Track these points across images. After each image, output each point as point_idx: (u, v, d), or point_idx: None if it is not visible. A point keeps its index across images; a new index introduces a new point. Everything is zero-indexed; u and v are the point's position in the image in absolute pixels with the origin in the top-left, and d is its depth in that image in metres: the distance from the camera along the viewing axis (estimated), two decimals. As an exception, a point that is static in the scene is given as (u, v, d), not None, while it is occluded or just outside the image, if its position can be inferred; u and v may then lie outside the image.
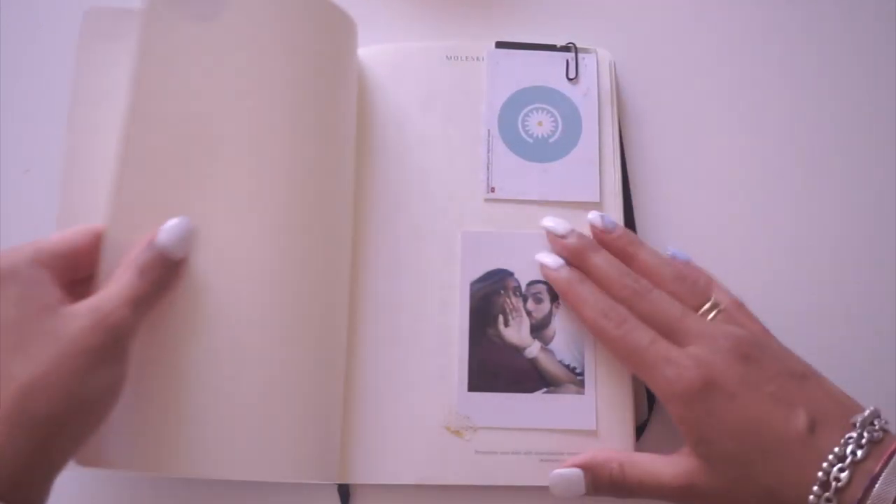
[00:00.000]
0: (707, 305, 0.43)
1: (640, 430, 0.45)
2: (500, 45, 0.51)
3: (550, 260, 0.46)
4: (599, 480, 0.42)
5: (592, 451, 0.43)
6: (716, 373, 0.39)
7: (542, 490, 0.44)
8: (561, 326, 0.46)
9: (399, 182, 0.49)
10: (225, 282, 0.41)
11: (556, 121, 0.50)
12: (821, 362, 0.40)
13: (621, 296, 0.43)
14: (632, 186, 0.50)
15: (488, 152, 0.49)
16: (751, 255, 0.50)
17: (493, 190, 0.48)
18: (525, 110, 0.50)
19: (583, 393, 0.45)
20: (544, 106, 0.50)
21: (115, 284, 0.37)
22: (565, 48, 0.51)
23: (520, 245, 0.47)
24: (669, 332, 0.41)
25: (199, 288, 0.41)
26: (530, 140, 0.49)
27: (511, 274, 0.47)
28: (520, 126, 0.50)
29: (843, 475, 0.35)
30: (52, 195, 0.50)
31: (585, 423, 0.44)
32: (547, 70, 0.51)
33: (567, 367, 0.45)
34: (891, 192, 0.51)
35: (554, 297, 0.46)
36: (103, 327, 0.35)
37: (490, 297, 0.47)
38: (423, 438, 0.44)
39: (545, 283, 0.46)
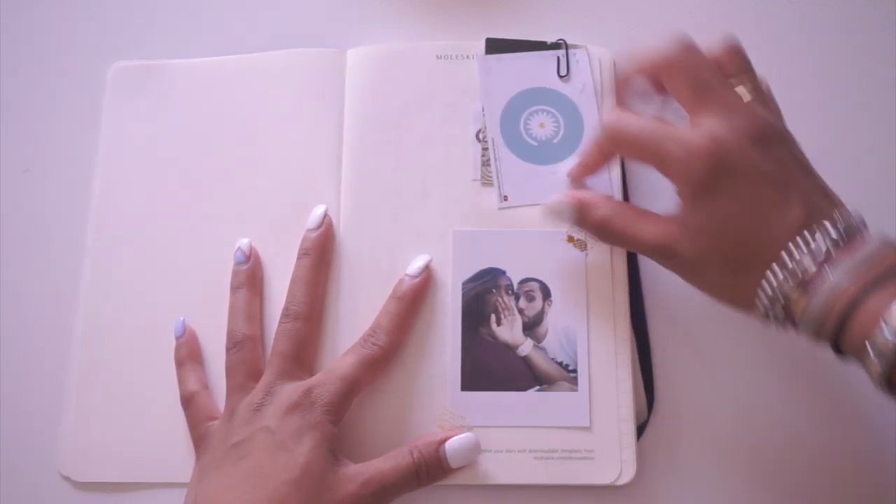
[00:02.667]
0: (740, 77, 0.41)
1: (640, 429, 0.45)
2: (490, 42, 0.51)
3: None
4: (587, 219, 0.43)
5: (592, 193, 0.45)
6: (727, 153, 0.38)
7: (538, 488, 0.44)
8: (553, 324, 0.46)
9: (393, 181, 0.49)
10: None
11: (557, 120, 0.49)
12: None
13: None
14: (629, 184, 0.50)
15: (495, 161, 0.49)
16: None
17: (505, 198, 0.48)
18: (525, 113, 0.50)
19: (576, 390, 0.45)
20: (543, 107, 0.50)
21: (392, 464, 0.42)
22: (555, 45, 0.51)
23: (511, 243, 0.47)
24: (695, 95, 0.40)
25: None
26: (535, 143, 0.49)
27: (503, 272, 0.47)
28: (522, 130, 0.49)
29: (806, 260, 0.36)
30: (52, 195, 0.51)
31: (579, 420, 0.45)
32: (539, 70, 0.50)
33: (560, 364, 0.45)
34: (891, 192, 0.50)
35: (546, 295, 0.46)
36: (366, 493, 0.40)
37: (482, 296, 0.47)
38: (418, 438, 0.45)
39: (537, 280, 0.47)
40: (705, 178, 0.38)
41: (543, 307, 0.46)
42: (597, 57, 0.51)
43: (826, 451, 0.45)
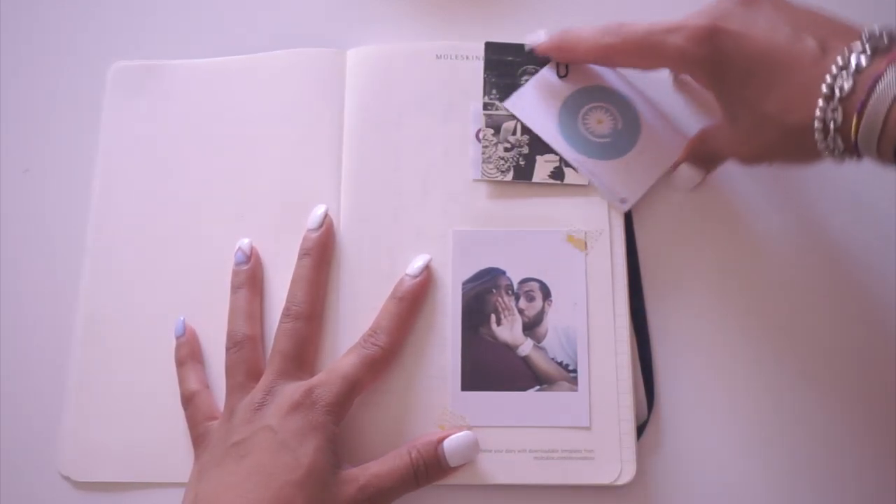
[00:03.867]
0: None
1: (640, 429, 0.45)
2: (489, 46, 0.51)
3: (534, 37, 0.49)
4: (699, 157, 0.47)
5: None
6: (718, 20, 0.39)
7: (538, 488, 0.44)
8: (553, 324, 0.46)
9: (393, 181, 0.49)
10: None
11: (613, 115, 0.50)
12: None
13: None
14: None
15: (585, 168, 0.49)
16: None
17: (624, 201, 0.48)
18: (582, 112, 0.50)
19: (576, 390, 0.45)
20: (598, 104, 0.50)
21: (389, 466, 0.42)
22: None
23: (511, 243, 0.47)
24: None
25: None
26: (597, 139, 0.49)
27: (503, 272, 0.47)
28: (581, 128, 0.49)
29: (847, 83, 0.35)
30: (52, 195, 0.51)
31: (579, 420, 0.45)
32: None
33: (560, 364, 0.45)
34: (891, 192, 0.50)
35: (546, 295, 0.46)
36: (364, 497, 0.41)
37: (482, 296, 0.47)
38: (418, 438, 0.45)
39: (537, 280, 0.47)
40: (714, 56, 0.40)
41: (543, 307, 0.46)
42: None
43: (826, 451, 0.45)
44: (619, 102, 0.50)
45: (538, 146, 0.49)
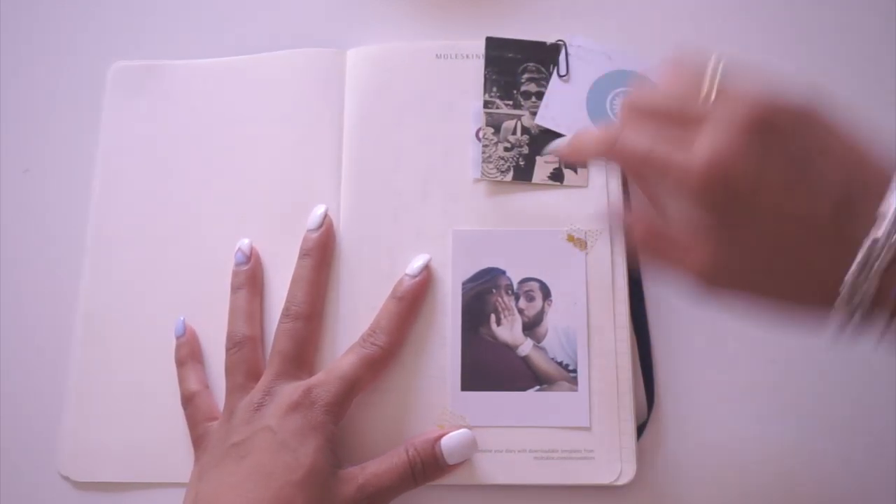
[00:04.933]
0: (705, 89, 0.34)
1: (640, 429, 0.45)
2: (490, 41, 0.51)
3: (557, 146, 0.46)
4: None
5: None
6: (726, 168, 0.31)
7: (538, 488, 0.44)
8: (553, 324, 0.46)
9: (393, 181, 0.49)
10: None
11: None
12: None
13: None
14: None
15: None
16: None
17: None
18: (610, 96, 0.50)
19: (576, 390, 0.45)
20: (621, 89, 0.50)
21: (387, 464, 0.42)
22: (555, 46, 0.51)
23: (511, 243, 0.47)
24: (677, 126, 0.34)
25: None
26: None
27: (503, 272, 0.47)
28: (609, 112, 0.50)
29: (888, 254, 0.30)
30: (52, 195, 0.51)
31: (579, 420, 0.44)
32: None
33: (560, 364, 0.45)
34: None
35: (546, 295, 0.46)
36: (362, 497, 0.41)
37: (482, 296, 0.47)
38: (418, 438, 0.45)
39: (537, 280, 0.47)
40: (715, 209, 0.32)
41: (543, 307, 0.46)
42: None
43: (826, 452, 0.45)
44: (636, 81, 0.50)
45: (538, 146, 0.49)
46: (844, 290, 0.31)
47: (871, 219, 0.31)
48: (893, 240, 0.30)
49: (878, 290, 0.31)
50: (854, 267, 0.31)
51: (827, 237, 0.32)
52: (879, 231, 0.30)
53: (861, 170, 0.32)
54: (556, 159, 0.49)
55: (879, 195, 0.31)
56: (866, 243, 0.30)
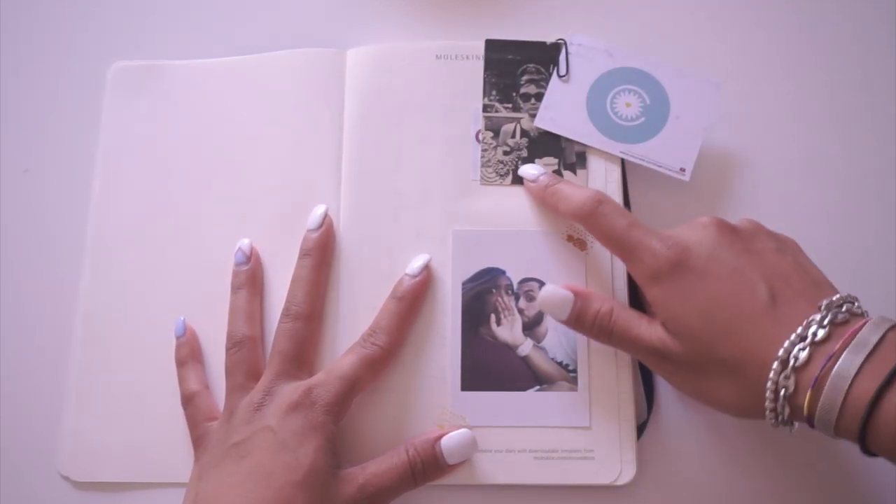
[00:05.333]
0: None
1: (640, 429, 0.45)
2: (490, 43, 0.51)
3: (531, 172, 0.48)
4: (585, 314, 0.42)
5: (589, 290, 0.44)
6: (688, 252, 0.39)
7: (538, 488, 0.44)
8: (553, 324, 0.46)
9: (393, 181, 0.49)
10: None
11: (643, 100, 0.50)
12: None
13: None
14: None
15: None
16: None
17: (683, 170, 0.48)
18: (612, 93, 0.50)
19: (576, 390, 0.45)
20: (629, 86, 0.50)
21: (387, 464, 0.42)
22: (555, 45, 0.51)
23: (511, 243, 0.47)
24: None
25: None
26: (622, 122, 0.49)
27: (503, 272, 0.47)
28: (609, 110, 0.50)
29: (802, 354, 0.35)
30: (52, 195, 0.51)
31: (579, 420, 0.45)
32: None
33: (560, 364, 0.45)
34: (891, 192, 0.50)
35: (546, 295, 0.46)
36: (363, 497, 0.41)
37: (482, 295, 0.47)
38: (418, 438, 0.45)
39: (537, 280, 0.47)
40: (667, 277, 0.39)
41: (543, 307, 0.46)
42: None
43: (826, 451, 0.45)
44: (637, 78, 0.50)
45: (537, 149, 0.49)
46: (770, 378, 0.36)
47: (800, 319, 0.37)
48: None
49: (797, 389, 0.36)
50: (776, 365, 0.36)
51: (762, 322, 0.37)
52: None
53: (802, 278, 0.39)
54: (555, 161, 0.49)
55: (810, 302, 0.37)
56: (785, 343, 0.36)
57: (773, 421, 0.37)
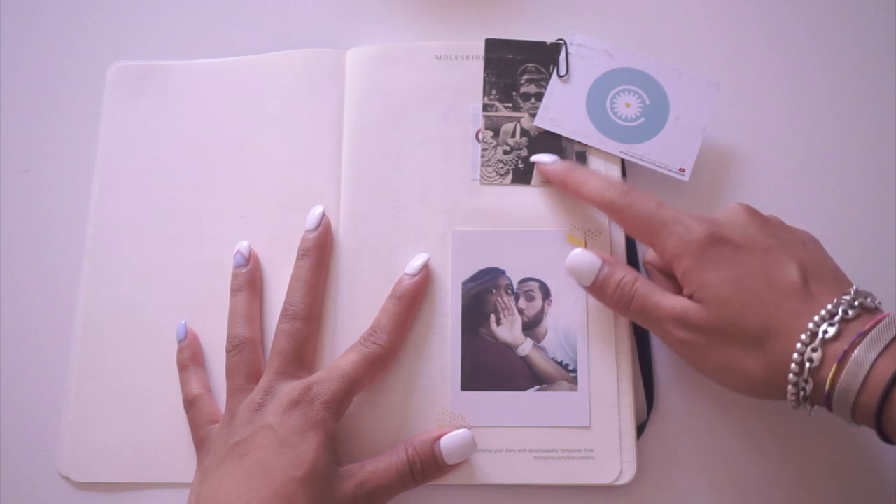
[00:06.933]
0: None
1: (640, 429, 0.45)
2: (490, 42, 0.51)
3: (546, 157, 0.48)
4: (609, 281, 0.43)
5: (616, 259, 0.45)
6: (723, 227, 0.41)
7: (538, 488, 0.44)
8: (553, 324, 0.46)
9: (393, 181, 0.49)
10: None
11: (643, 100, 0.50)
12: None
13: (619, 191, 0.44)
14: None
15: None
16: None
17: (682, 170, 0.49)
18: (611, 93, 0.50)
19: (576, 390, 0.45)
20: (629, 87, 0.50)
21: (386, 463, 0.42)
22: (555, 45, 0.51)
23: (511, 243, 0.47)
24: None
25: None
26: (622, 122, 0.49)
27: (503, 272, 0.47)
28: (609, 110, 0.50)
29: (832, 329, 0.36)
30: (52, 195, 0.51)
31: (579, 419, 0.45)
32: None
33: (559, 364, 0.45)
34: (891, 191, 0.50)
35: (546, 295, 0.46)
36: (361, 494, 0.41)
37: (482, 295, 0.47)
38: (418, 438, 0.45)
39: (537, 280, 0.47)
40: (701, 249, 0.40)
41: (543, 307, 0.46)
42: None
43: (826, 452, 0.45)
44: (637, 78, 0.50)
45: (537, 148, 0.49)
46: (797, 350, 0.37)
47: (830, 298, 0.38)
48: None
49: (823, 363, 0.36)
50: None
51: (793, 297, 0.38)
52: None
53: (826, 267, 0.41)
54: (554, 159, 0.49)
55: (836, 287, 0.39)
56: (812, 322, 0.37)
57: (793, 399, 0.38)
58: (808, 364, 0.36)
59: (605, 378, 0.45)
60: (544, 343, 0.46)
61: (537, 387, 0.45)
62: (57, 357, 0.48)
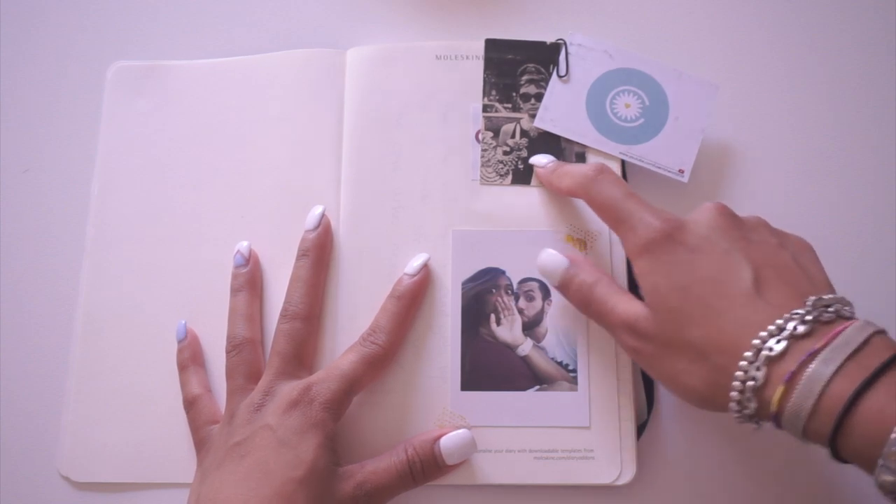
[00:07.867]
0: None
1: (640, 429, 0.45)
2: (490, 42, 0.51)
3: (542, 159, 0.48)
4: (571, 281, 0.42)
5: (586, 260, 0.44)
6: (682, 229, 0.39)
7: (538, 488, 0.44)
8: (553, 324, 0.46)
9: (393, 181, 0.49)
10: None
11: (642, 100, 0.50)
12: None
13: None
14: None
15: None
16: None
17: (681, 171, 0.49)
18: (611, 94, 0.50)
19: (576, 390, 0.45)
20: (629, 87, 0.50)
21: (386, 463, 0.42)
22: (555, 45, 0.51)
23: (511, 243, 0.47)
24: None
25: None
26: (622, 123, 0.49)
27: (503, 272, 0.47)
28: (609, 110, 0.50)
29: (778, 346, 0.33)
30: (52, 195, 0.51)
31: (579, 419, 0.45)
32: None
33: (559, 364, 0.45)
34: (891, 192, 0.50)
35: (546, 295, 0.46)
36: (361, 494, 0.41)
37: (482, 295, 0.47)
38: (418, 438, 0.45)
39: (537, 280, 0.47)
40: (655, 248, 0.38)
41: (543, 307, 0.46)
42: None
43: (826, 452, 0.45)
44: (637, 79, 0.50)
45: (537, 149, 0.49)
46: (739, 366, 0.34)
47: (783, 311, 0.35)
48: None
49: (767, 382, 0.34)
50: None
51: (742, 307, 0.36)
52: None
53: (796, 272, 0.37)
54: (549, 160, 0.48)
55: (798, 295, 0.36)
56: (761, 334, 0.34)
57: (737, 414, 0.35)
58: (750, 382, 0.34)
59: (605, 378, 0.45)
60: (544, 343, 0.46)
61: (537, 387, 0.45)
62: (57, 357, 0.48)
